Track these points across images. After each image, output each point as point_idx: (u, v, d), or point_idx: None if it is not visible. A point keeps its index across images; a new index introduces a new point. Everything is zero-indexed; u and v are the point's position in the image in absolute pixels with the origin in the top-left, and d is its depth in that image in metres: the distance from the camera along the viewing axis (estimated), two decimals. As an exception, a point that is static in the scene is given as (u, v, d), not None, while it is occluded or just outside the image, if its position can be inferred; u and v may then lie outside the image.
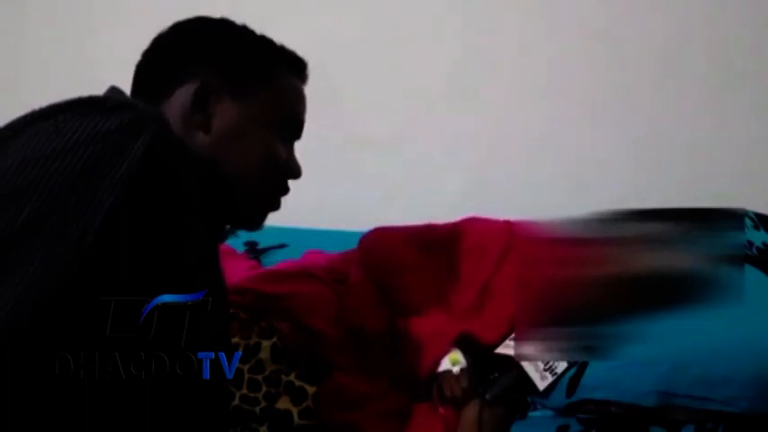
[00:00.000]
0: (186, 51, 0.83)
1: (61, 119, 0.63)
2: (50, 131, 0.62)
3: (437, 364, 1.18)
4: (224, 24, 0.85)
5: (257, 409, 1.08)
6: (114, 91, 0.81)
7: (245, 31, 0.86)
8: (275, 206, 0.88)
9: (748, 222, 1.41)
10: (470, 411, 1.12)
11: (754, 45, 1.85)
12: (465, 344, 1.19)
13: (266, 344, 1.12)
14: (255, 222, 0.88)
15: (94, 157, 0.61)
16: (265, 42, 0.86)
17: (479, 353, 1.19)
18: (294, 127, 0.88)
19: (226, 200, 0.81)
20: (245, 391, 1.09)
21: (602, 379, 1.10)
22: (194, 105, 0.79)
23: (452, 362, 1.17)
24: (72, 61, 1.99)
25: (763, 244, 1.36)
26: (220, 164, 0.80)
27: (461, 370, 1.16)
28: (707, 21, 1.85)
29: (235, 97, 0.81)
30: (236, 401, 1.08)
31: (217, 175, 0.79)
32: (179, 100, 0.80)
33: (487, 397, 1.12)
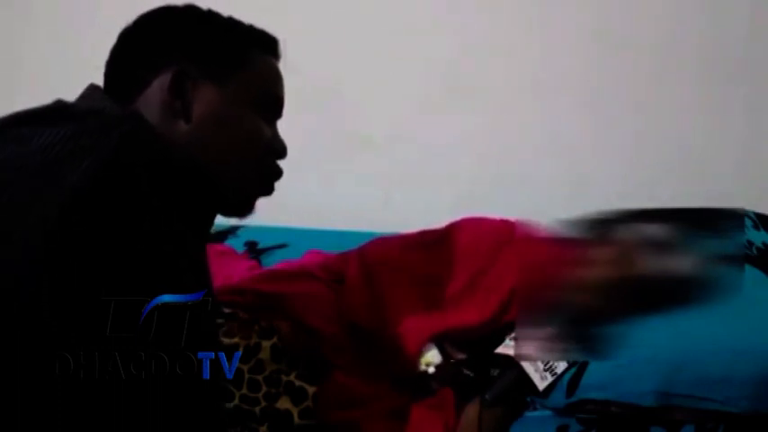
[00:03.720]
0: (157, 42, 0.81)
1: (26, 131, 0.63)
2: (17, 144, 0.63)
3: (416, 361, 1.19)
4: (191, 11, 0.84)
5: (257, 409, 1.08)
6: (92, 90, 0.80)
7: (213, 16, 0.84)
8: (268, 190, 0.87)
9: (748, 222, 1.41)
10: (470, 411, 1.12)
11: (753, 41, 1.85)
12: (441, 339, 1.20)
13: (266, 344, 1.12)
14: (246, 208, 0.86)
15: (59, 160, 0.62)
16: (234, 24, 0.85)
17: (459, 340, 1.20)
18: (274, 105, 0.88)
19: (212, 189, 0.80)
20: (245, 391, 1.09)
21: (602, 379, 1.10)
22: (172, 94, 0.78)
23: (425, 363, 1.18)
24: (72, 61, 1.99)
25: (763, 244, 1.36)
26: (205, 151, 0.79)
27: (436, 368, 1.17)
28: (705, 17, 1.85)
29: (213, 82, 0.80)
30: (236, 401, 1.08)
31: (201, 164, 0.78)
32: (155, 91, 0.78)
33: (487, 397, 1.12)
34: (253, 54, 0.84)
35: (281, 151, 0.87)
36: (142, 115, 0.75)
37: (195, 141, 0.78)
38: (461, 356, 1.18)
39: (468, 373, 1.17)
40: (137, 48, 0.82)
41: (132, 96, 0.79)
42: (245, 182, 0.84)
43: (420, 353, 1.19)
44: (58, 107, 0.66)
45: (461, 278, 1.27)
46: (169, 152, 0.74)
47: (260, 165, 0.85)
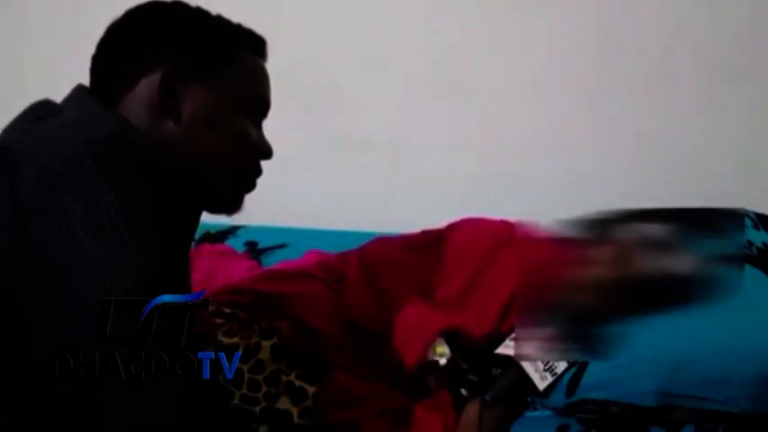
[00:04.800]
0: (146, 39, 0.81)
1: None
2: None
3: (423, 355, 1.18)
4: (181, 8, 0.83)
5: (257, 409, 1.08)
6: (78, 90, 0.79)
7: (202, 14, 0.84)
8: (251, 188, 0.88)
9: (748, 222, 1.41)
10: (471, 411, 1.12)
11: (753, 42, 1.85)
12: (451, 337, 1.20)
13: (266, 344, 1.11)
14: (233, 206, 0.87)
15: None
16: (224, 23, 0.85)
17: (465, 347, 1.19)
18: (262, 107, 0.88)
19: (201, 189, 0.80)
20: (245, 391, 1.09)
21: (602, 379, 1.10)
22: (162, 94, 0.78)
23: (439, 354, 1.18)
24: (71, 61, 1.99)
25: (763, 244, 1.36)
26: (193, 152, 0.79)
27: (446, 363, 1.17)
28: (705, 17, 1.85)
29: (202, 82, 0.80)
30: (236, 401, 1.08)
31: (189, 164, 0.78)
32: (144, 90, 0.78)
33: (487, 397, 1.11)
34: (241, 54, 0.84)
35: (266, 152, 0.87)
36: (128, 121, 0.75)
37: (184, 142, 0.78)
38: (465, 367, 1.18)
39: (472, 377, 1.17)
40: (125, 43, 0.81)
41: (119, 93, 0.79)
42: (232, 182, 0.85)
43: (422, 359, 1.19)
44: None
45: (459, 280, 1.27)
46: (158, 154, 0.74)
47: (246, 165, 0.86)
